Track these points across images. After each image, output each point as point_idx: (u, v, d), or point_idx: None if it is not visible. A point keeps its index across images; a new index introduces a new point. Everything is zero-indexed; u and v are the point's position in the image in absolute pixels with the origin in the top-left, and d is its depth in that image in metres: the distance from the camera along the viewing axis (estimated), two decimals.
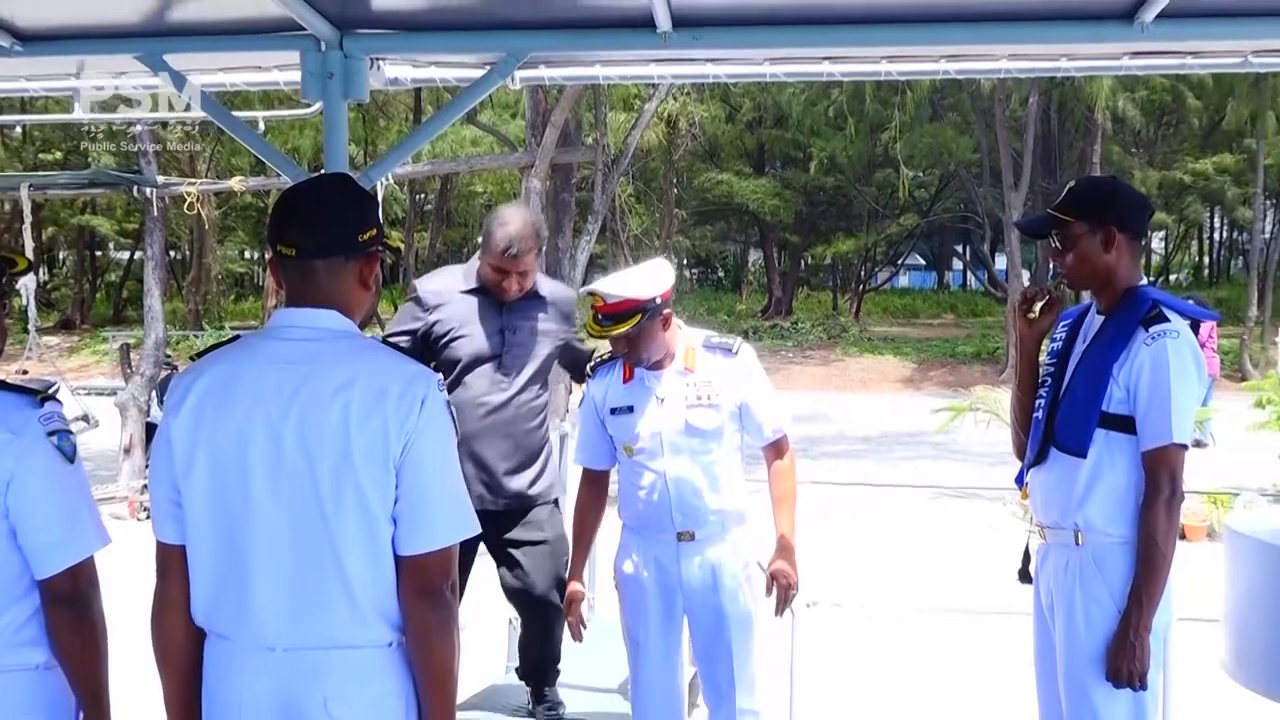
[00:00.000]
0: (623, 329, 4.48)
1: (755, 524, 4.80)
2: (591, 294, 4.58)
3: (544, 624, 5.23)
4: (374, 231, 2.97)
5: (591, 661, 5.89)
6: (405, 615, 2.84)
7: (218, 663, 2.90)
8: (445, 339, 5.11)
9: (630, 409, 4.66)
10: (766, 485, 4.82)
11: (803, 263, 49.59)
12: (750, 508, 4.78)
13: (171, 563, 2.93)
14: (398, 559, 2.83)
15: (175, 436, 2.86)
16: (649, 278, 4.56)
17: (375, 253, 2.98)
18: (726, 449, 4.67)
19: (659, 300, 4.54)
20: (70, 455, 3.04)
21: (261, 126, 8.03)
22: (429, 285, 5.29)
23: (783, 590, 4.68)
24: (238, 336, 3.05)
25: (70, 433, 3.09)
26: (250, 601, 2.81)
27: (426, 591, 2.83)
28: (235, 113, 5.93)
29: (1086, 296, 4.18)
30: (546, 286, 5.38)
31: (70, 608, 3.01)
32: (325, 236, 2.90)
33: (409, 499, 2.81)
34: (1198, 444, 17.20)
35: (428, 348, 5.12)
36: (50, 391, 3.17)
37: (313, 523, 2.79)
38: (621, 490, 4.80)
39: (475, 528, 2.92)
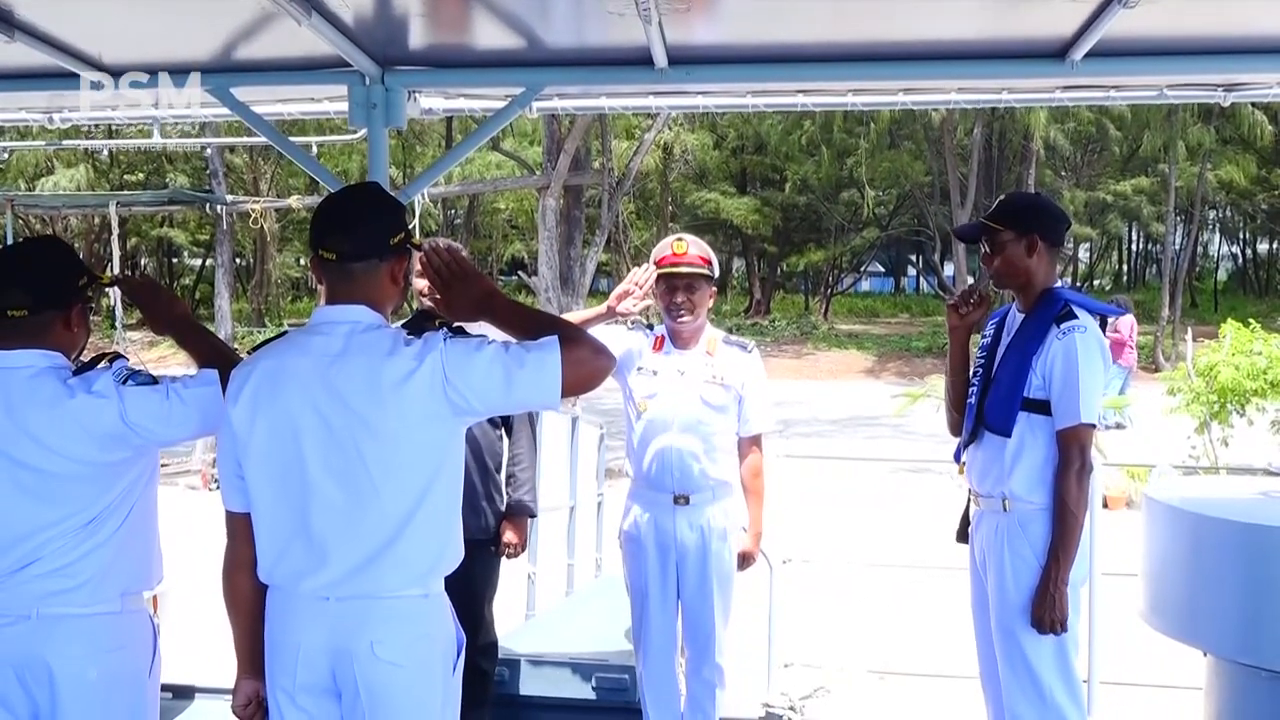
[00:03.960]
0: (692, 271, 4.60)
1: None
2: (679, 239, 4.70)
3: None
4: (403, 234, 2.98)
5: (601, 610, 5.89)
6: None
7: (279, 612, 2.91)
8: None
9: (655, 373, 4.69)
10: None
11: (779, 270, 49.51)
12: (735, 478, 4.78)
13: (238, 528, 2.98)
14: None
15: (236, 421, 2.89)
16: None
17: (405, 253, 2.99)
18: (726, 427, 4.71)
19: (716, 278, 4.75)
20: (151, 380, 3.09)
21: (314, 150, 7.99)
22: None
23: (747, 565, 4.86)
24: (285, 333, 3.06)
25: (141, 369, 3.14)
26: (308, 559, 2.84)
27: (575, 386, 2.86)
28: (291, 138, 5.92)
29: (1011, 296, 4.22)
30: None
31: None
32: (360, 243, 2.91)
33: (511, 395, 2.81)
34: (1118, 426, 17.23)
35: None
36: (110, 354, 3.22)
37: (363, 490, 2.81)
38: (629, 451, 4.80)
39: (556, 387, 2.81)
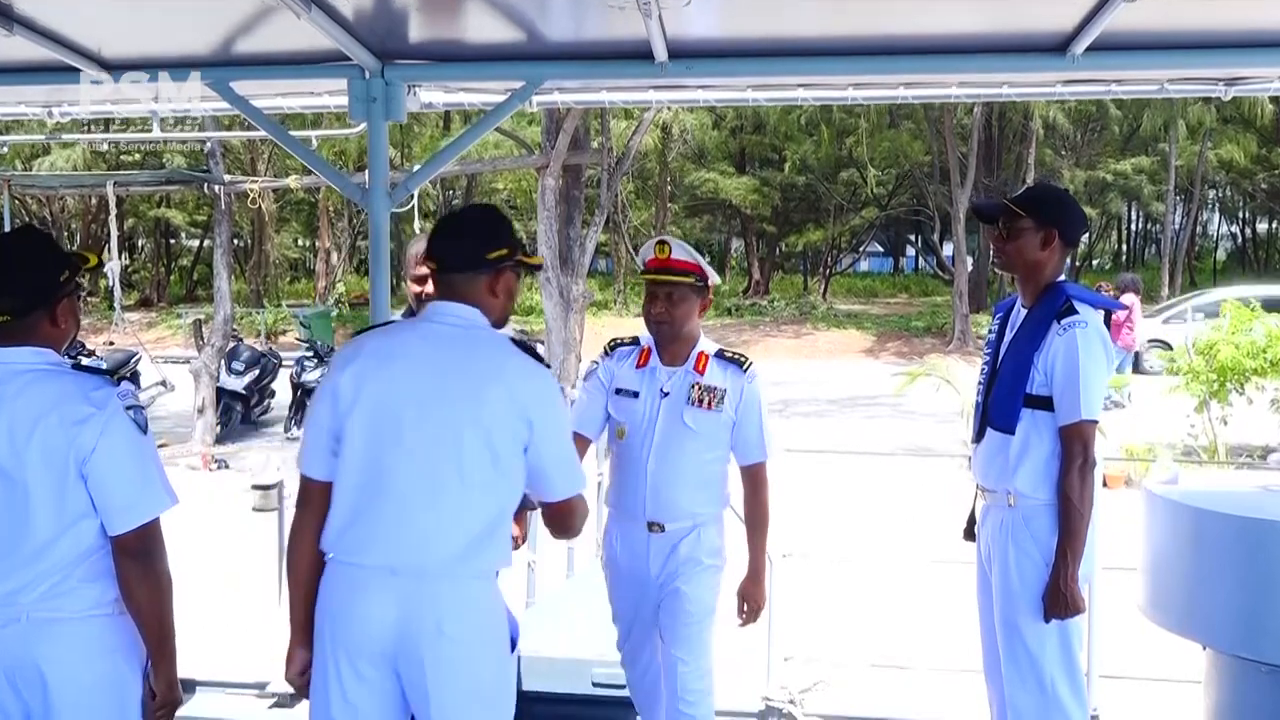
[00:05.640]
0: (675, 279, 4.22)
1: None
2: (661, 242, 4.28)
3: None
4: (504, 251, 3.24)
5: (601, 597, 5.89)
6: (556, 535, 3.40)
7: (345, 585, 3.05)
8: None
9: (635, 394, 4.33)
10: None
11: (778, 250, 49.42)
12: (724, 515, 4.45)
13: (313, 495, 3.15)
14: (543, 503, 3.26)
15: (341, 389, 3.10)
16: (708, 264, 4.36)
17: (504, 268, 3.26)
18: (712, 454, 4.31)
19: (708, 284, 4.33)
20: (143, 427, 3.08)
21: (314, 143, 7.93)
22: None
23: (752, 611, 4.44)
24: (392, 321, 3.40)
25: (142, 407, 3.13)
26: (383, 529, 3.02)
27: (562, 528, 3.34)
28: (291, 129, 5.91)
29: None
30: None
31: (139, 561, 3.01)
32: (457, 257, 3.22)
33: (541, 463, 3.16)
34: (1116, 405, 17.27)
35: None
36: (131, 364, 3.19)
37: (448, 467, 3.03)
38: (609, 473, 4.58)
39: (584, 484, 3.28)
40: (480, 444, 3.04)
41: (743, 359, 4.38)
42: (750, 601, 4.42)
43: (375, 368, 3.11)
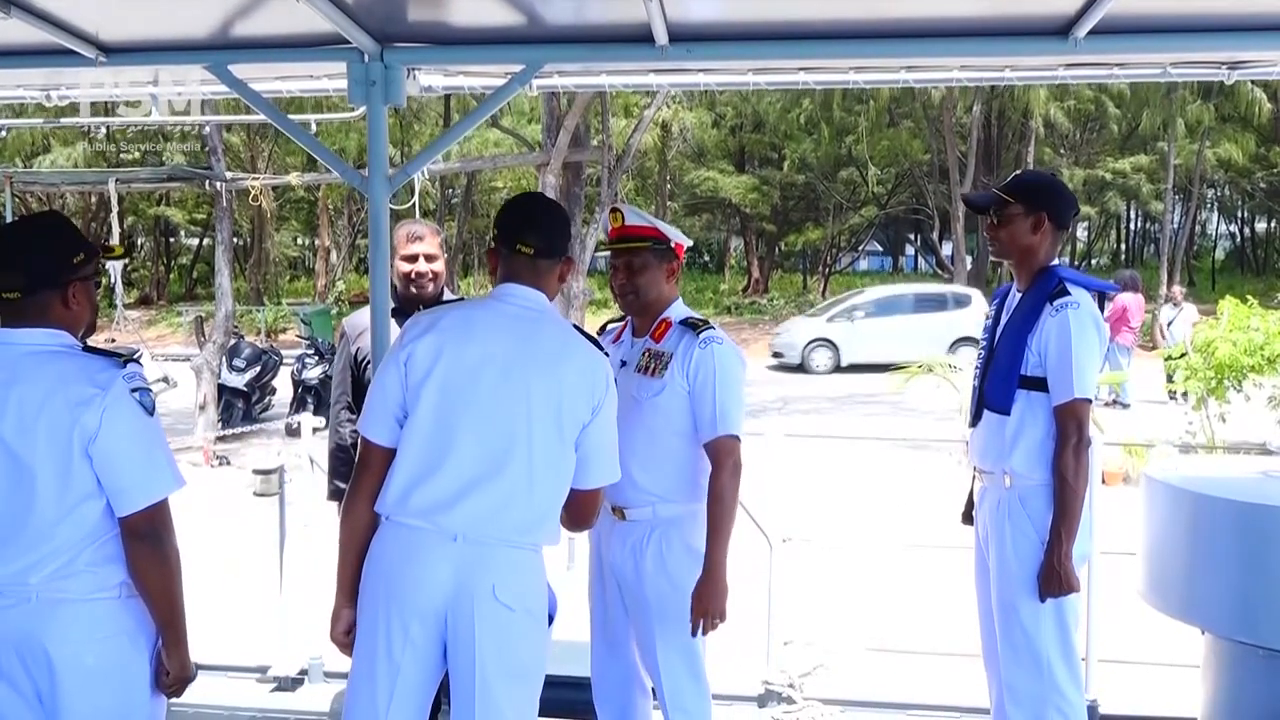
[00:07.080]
0: (631, 246, 4.00)
1: None
2: (614, 211, 4.07)
3: None
4: (568, 241, 3.48)
5: None
6: (569, 526, 3.40)
7: (402, 546, 3.13)
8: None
9: None
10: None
11: (777, 248, 49.49)
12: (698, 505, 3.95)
13: (374, 460, 3.22)
14: (571, 490, 3.27)
15: (416, 356, 3.19)
16: (670, 225, 4.10)
17: (569, 257, 3.48)
18: (670, 431, 3.92)
19: (672, 246, 4.04)
20: (150, 409, 3.06)
21: (314, 128, 7.89)
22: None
23: (697, 614, 3.77)
24: (462, 299, 3.46)
25: (149, 390, 3.12)
26: (449, 496, 3.10)
27: (580, 518, 3.38)
28: (290, 116, 5.88)
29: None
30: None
31: (147, 542, 3.00)
32: (552, 244, 3.38)
33: (588, 448, 3.26)
34: (1117, 403, 17.26)
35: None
36: (134, 356, 3.18)
37: (518, 439, 3.14)
38: None
39: (618, 476, 3.38)
40: (551, 418, 3.16)
41: (699, 323, 4.00)
42: (700, 606, 3.78)
43: (455, 337, 3.21)
